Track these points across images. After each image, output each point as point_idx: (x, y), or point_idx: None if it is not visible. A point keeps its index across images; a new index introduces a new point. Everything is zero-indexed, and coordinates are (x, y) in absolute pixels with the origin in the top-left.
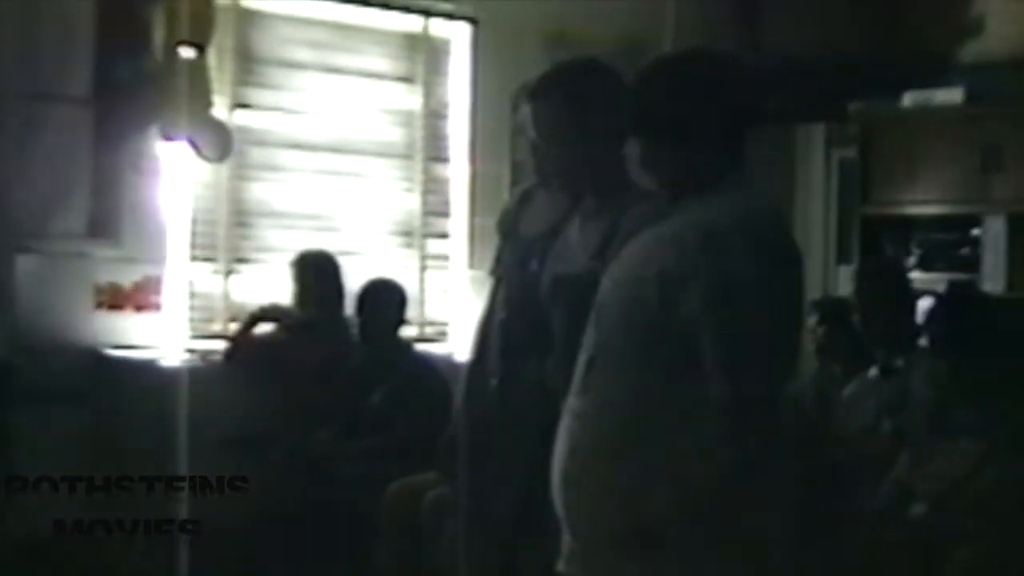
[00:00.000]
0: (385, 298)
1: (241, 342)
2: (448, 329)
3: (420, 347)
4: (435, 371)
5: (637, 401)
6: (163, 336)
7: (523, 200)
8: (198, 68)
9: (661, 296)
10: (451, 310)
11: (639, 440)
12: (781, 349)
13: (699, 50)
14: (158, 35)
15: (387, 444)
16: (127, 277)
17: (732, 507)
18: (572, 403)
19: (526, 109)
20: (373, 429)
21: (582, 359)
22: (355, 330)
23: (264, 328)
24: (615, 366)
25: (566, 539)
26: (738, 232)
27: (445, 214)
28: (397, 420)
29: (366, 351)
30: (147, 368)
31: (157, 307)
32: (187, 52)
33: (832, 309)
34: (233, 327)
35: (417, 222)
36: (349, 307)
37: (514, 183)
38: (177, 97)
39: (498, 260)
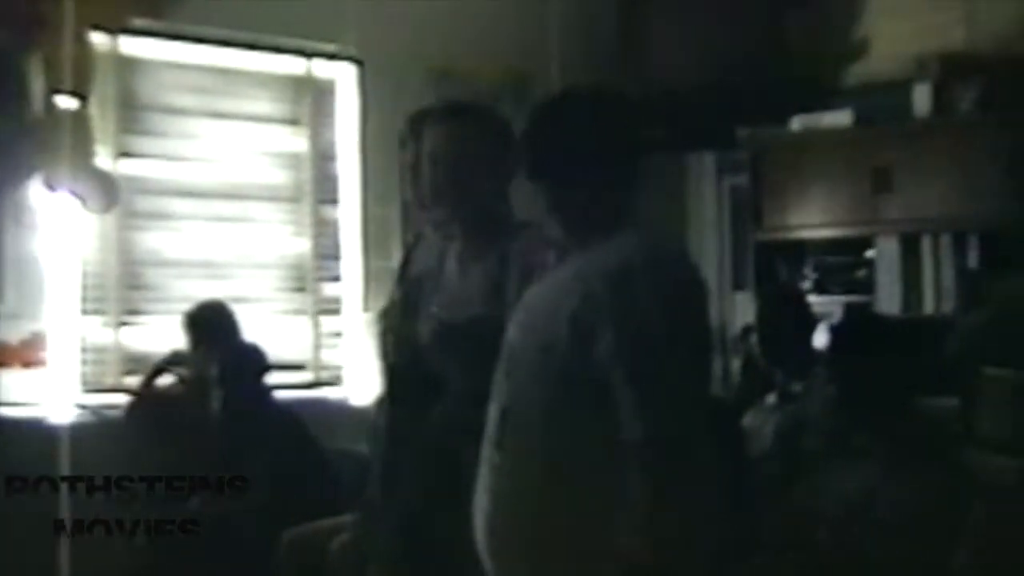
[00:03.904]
0: (244, 353)
1: (144, 395)
2: (343, 373)
3: (281, 397)
4: (298, 422)
5: (557, 451)
6: (52, 392)
7: (416, 243)
8: (79, 118)
9: (573, 341)
10: (345, 354)
11: (562, 491)
12: (695, 387)
13: (580, 90)
14: (36, 85)
15: (258, 500)
16: (14, 334)
17: (658, 552)
18: (489, 455)
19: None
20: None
21: (495, 409)
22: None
23: (164, 381)
24: (532, 416)
25: None
26: (645, 272)
27: (336, 257)
28: (265, 475)
29: (232, 407)
30: (34, 425)
31: (46, 363)
32: (67, 102)
33: None
34: (128, 380)
35: (309, 266)
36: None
37: (404, 223)
38: (59, 148)
39: (392, 304)
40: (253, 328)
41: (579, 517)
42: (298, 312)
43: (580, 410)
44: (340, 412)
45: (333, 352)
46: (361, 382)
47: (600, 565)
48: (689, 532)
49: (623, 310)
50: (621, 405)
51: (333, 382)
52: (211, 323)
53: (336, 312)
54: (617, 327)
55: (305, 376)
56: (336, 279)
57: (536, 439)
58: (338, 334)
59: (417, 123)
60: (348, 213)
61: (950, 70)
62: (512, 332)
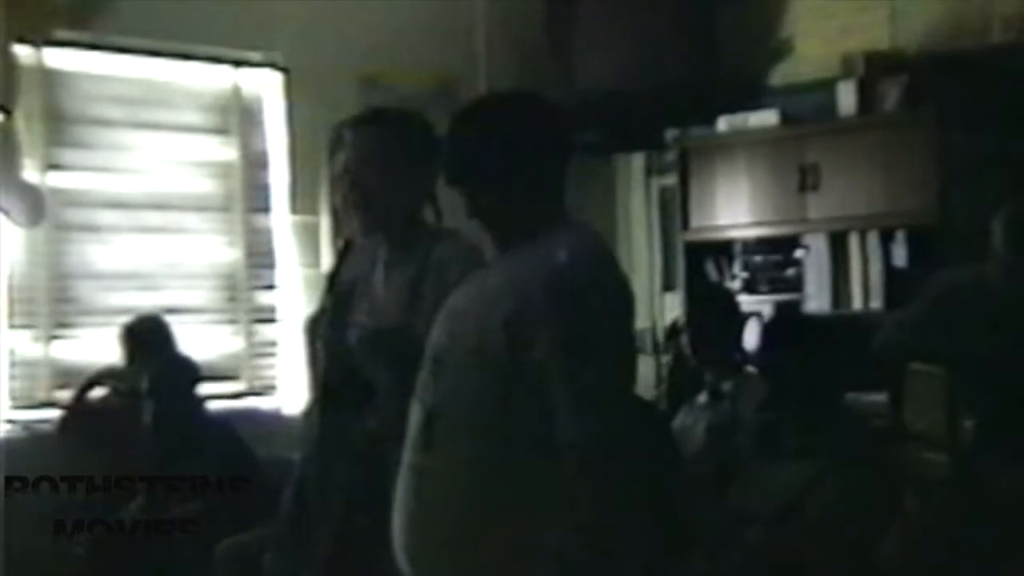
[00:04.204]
0: (175, 365)
1: (76, 409)
2: (276, 382)
3: (214, 407)
4: (231, 433)
5: (491, 454)
6: None
7: (345, 250)
8: (5, 131)
9: (510, 345)
10: (279, 363)
11: (495, 493)
12: (628, 388)
13: (503, 94)
14: None
15: (197, 509)
16: None
17: (597, 555)
18: (413, 459)
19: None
20: (183, 496)
21: (418, 414)
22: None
23: (97, 393)
24: (464, 420)
25: None
26: (581, 274)
27: (269, 266)
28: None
29: (166, 417)
30: None
31: None
32: None
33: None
34: (59, 394)
35: (241, 275)
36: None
37: (335, 231)
38: None
39: (322, 311)
40: (186, 338)
41: (512, 519)
42: (231, 322)
43: (514, 413)
44: (274, 421)
45: (267, 361)
46: (295, 391)
47: (533, 566)
48: (627, 531)
49: (559, 312)
50: (557, 407)
51: (267, 391)
52: (145, 336)
53: (270, 321)
54: (554, 330)
55: (239, 386)
56: (269, 288)
57: (468, 442)
58: (273, 343)
59: (340, 131)
60: (280, 221)
61: (875, 68)
62: (438, 336)
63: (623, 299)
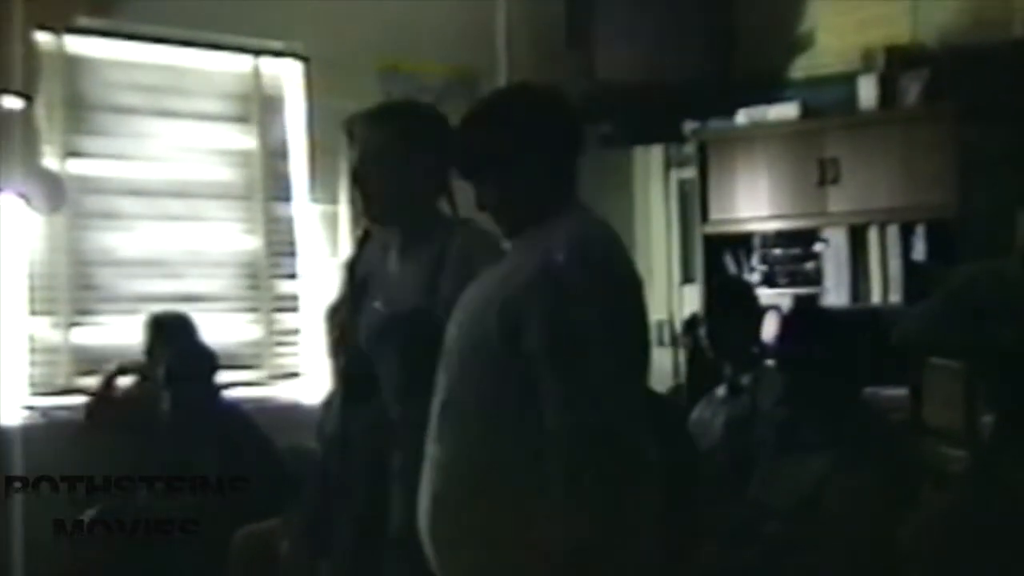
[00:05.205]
0: (192, 354)
1: (103, 398)
2: (296, 371)
3: (233, 395)
4: (249, 421)
5: (487, 444)
6: (1, 394)
7: (363, 240)
8: (26, 118)
9: (501, 333)
10: (300, 351)
11: (495, 485)
12: (623, 377)
13: (514, 88)
14: None
15: (212, 499)
16: None
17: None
18: (430, 450)
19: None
20: (197, 484)
21: (436, 404)
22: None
23: (124, 382)
24: (464, 411)
25: None
26: (574, 262)
27: (291, 254)
28: (215, 475)
29: (183, 406)
30: None
31: None
32: (12, 102)
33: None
34: (80, 381)
35: (263, 263)
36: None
37: (354, 220)
38: (5, 149)
39: (342, 300)
40: (207, 327)
41: (512, 509)
42: (252, 310)
43: (508, 403)
44: (294, 410)
45: (288, 349)
46: (315, 379)
47: (534, 556)
48: (617, 523)
49: (550, 301)
50: (545, 396)
51: (287, 380)
52: (166, 326)
53: (291, 309)
54: (543, 318)
55: (259, 374)
56: (291, 276)
57: (467, 433)
58: (295, 331)
59: (351, 126)
60: (301, 210)
61: (895, 62)
62: (450, 329)
63: (624, 287)
